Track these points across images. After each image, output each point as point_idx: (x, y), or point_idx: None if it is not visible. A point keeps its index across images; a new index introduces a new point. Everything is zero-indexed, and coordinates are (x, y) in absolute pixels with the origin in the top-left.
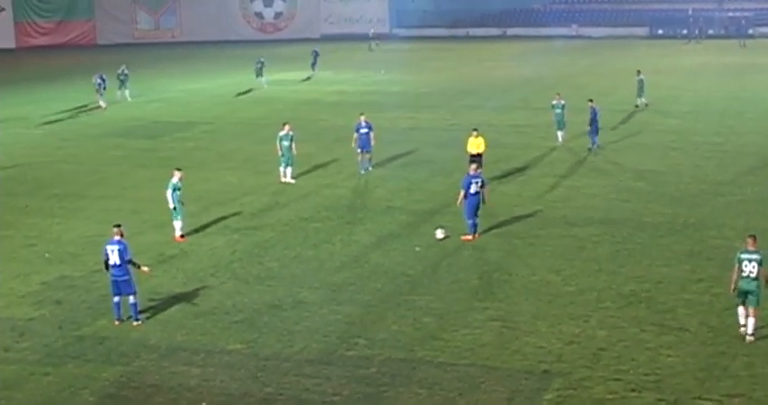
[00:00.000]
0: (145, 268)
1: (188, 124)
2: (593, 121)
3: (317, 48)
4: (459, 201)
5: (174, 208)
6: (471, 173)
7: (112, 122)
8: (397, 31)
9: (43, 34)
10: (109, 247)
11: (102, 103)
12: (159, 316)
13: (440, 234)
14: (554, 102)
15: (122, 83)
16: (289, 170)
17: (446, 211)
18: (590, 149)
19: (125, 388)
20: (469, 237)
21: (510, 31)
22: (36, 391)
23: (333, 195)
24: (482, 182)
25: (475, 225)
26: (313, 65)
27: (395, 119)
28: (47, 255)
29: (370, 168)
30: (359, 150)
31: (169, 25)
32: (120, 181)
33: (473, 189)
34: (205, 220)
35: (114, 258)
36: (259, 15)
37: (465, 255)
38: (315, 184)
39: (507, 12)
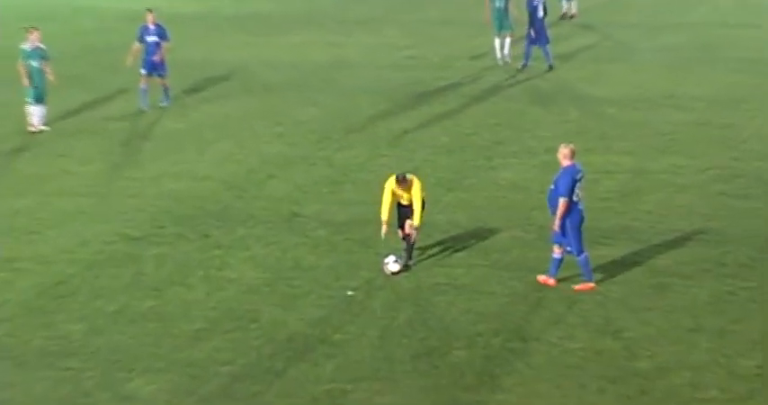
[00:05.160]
0: None
1: None
2: (536, 21)
3: None
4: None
5: None
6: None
7: None
8: None
9: None
10: None
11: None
12: None
13: (392, 265)
14: None
15: None
16: (40, 109)
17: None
18: (523, 67)
19: None
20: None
21: None
22: None
23: (187, 194)
24: None
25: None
26: None
27: (302, 46)
28: None
29: (166, 104)
30: (143, 71)
31: None
32: None
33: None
34: None
35: None
36: None
37: (441, 301)
38: (162, 172)
39: None
